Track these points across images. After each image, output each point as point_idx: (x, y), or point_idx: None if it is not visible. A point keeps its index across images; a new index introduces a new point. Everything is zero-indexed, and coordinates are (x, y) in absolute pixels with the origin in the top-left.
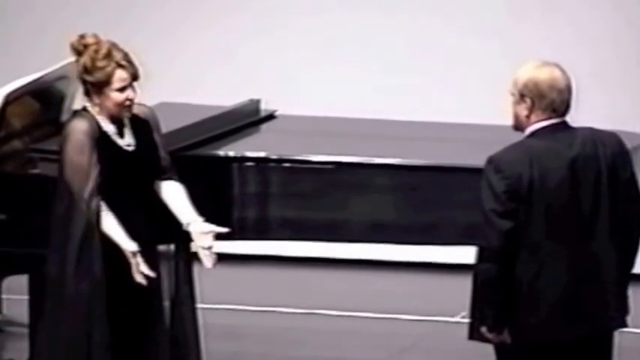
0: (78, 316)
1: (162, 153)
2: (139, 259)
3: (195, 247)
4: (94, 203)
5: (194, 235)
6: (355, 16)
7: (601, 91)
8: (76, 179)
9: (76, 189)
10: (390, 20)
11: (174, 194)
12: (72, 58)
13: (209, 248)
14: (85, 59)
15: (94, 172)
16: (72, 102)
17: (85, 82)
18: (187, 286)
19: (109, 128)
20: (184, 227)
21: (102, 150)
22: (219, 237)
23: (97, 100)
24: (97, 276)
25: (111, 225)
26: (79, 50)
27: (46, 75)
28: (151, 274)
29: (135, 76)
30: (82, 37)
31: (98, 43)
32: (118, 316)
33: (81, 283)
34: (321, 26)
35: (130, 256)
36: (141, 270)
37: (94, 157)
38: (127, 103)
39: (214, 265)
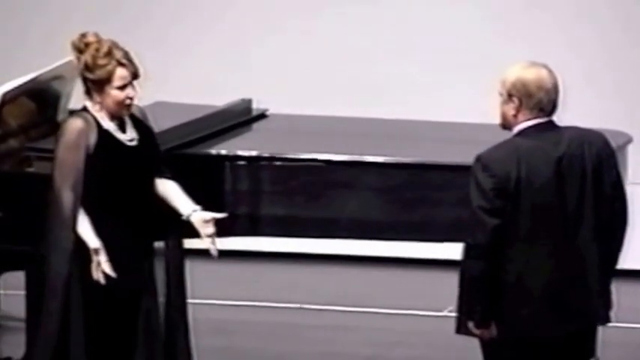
0: (54, 324)
1: (159, 150)
2: (102, 257)
3: (201, 236)
4: (70, 200)
5: (197, 224)
6: (345, 16)
7: (588, 90)
8: (58, 174)
9: (56, 184)
10: (379, 20)
11: (171, 189)
12: (68, 58)
13: (212, 235)
14: (87, 57)
15: (77, 172)
16: (67, 102)
17: (85, 80)
18: (178, 282)
19: (110, 126)
20: (185, 217)
21: (103, 148)
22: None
23: (97, 98)
24: (64, 273)
25: (80, 222)
26: (80, 49)
27: (41, 75)
28: (112, 274)
29: (135, 75)
30: (83, 35)
31: (99, 41)
32: (112, 313)
33: (53, 280)
34: (311, 26)
35: (92, 253)
36: (102, 269)
37: (81, 157)
38: (127, 101)
39: (217, 252)
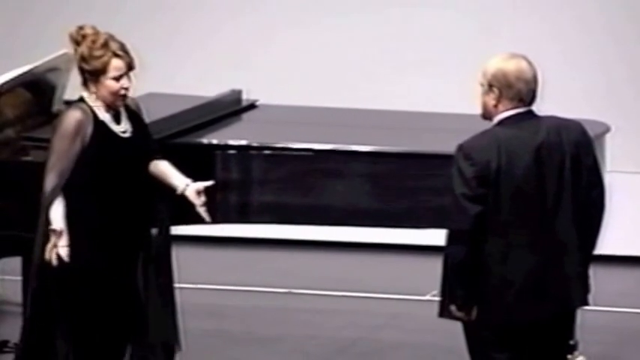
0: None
1: (152, 139)
2: (62, 241)
3: (195, 206)
4: (51, 185)
5: (191, 197)
6: (334, 8)
7: (569, 81)
8: (50, 160)
9: (46, 169)
10: (367, 11)
11: (163, 167)
12: (63, 51)
13: (204, 204)
14: (83, 49)
15: (67, 161)
16: (63, 92)
17: (82, 71)
18: (166, 267)
19: (105, 117)
20: (180, 191)
21: (98, 138)
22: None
23: (93, 88)
24: (39, 255)
25: (55, 205)
26: (77, 40)
27: (37, 67)
28: (66, 258)
29: (130, 66)
30: (80, 27)
31: (96, 33)
32: (105, 297)
33: (34, 261)
34: (301, 18)
35: (52, 233)
36: (57, 251)
37: (76, 148)
38: (123, 91)
39: (210, 218)
